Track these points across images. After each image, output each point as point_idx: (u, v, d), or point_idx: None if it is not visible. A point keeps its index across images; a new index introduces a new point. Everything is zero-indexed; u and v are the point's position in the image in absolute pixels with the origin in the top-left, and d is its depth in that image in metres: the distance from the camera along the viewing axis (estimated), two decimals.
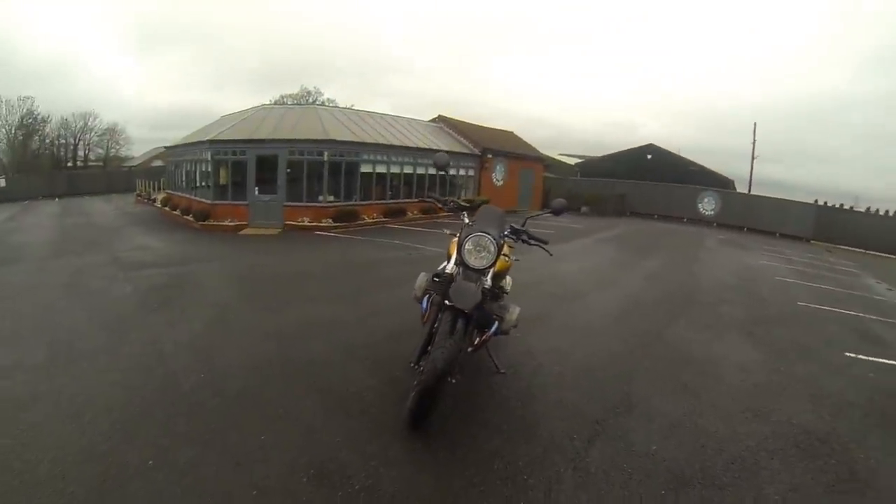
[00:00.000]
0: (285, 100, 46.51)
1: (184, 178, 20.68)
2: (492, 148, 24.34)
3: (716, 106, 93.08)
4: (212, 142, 17.06)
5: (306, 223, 15.91)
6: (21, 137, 48.97)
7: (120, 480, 2.89)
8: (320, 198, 16.81)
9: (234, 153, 16.73)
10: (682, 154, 34.33)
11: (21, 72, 60.54)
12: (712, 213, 27.81)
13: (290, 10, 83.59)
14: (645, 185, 29.79)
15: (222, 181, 17.26)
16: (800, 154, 72.05)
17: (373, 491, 2.91)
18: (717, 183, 31.27)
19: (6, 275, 8.84)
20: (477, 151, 23.54)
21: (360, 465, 3.13)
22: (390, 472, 3.09)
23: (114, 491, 2.80)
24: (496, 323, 3.65)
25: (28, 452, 3.12)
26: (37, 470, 2.95)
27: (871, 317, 8.93)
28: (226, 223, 15.87)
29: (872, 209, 25.19)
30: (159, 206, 22.32)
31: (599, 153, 39.26)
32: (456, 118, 25.61)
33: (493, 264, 3.64)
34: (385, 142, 18.66)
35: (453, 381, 3.38)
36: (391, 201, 18.70)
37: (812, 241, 24.61)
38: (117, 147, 57.16)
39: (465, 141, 23.88)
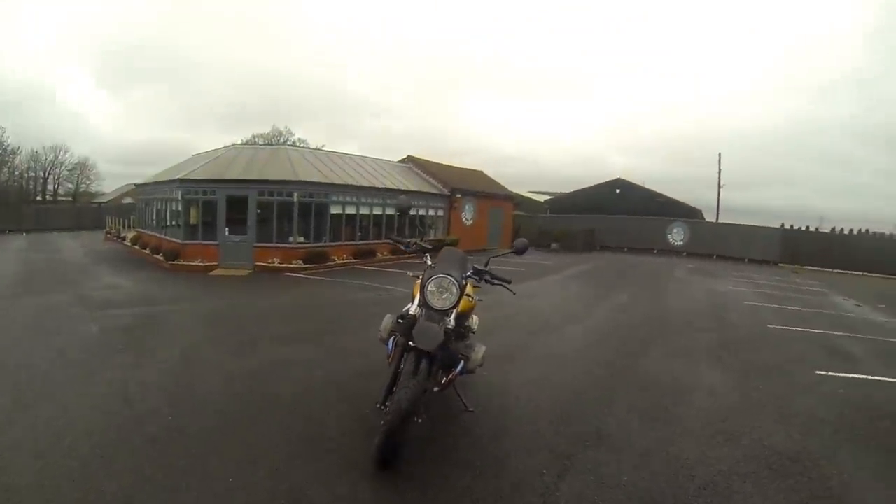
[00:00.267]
0: (257, 139, 46.49)
1: (154, 217, 20.24)
2: (461, 188, 24.51)
3: (682, 137, 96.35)
4: (182, 181, 16.83)
5: (276, 264, 15.66)
6: None
7: None
8: (290, 239, 16.60)
9: (205, 193, 16.51)
10: (650, 186, 35.20)
11: None
12: (681, 242, 28.34)
13: (263, 50, 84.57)
14: (614, 218, 30.31)
15: (192, 221, 16.92)
16: (765, 179, 74.64)
17: None
18: (686, 213, 32.02)
19: None
20: (446, 191, 23.67)
21: None
22: None
23: None
24: (462, 362, 3.71)
25: None
26: None
27: (839, 333, 9.04)
28: (196, 263, 15.54)
29: (837, 229, 25.99)
30: (129, 244, 21.87)
31: (569, 189, 39.95)
32: (425, 158, 25.82)
33: (456, 305, 3.72)
34: (354, 182, 18.66)
35: (419, 420, 3.40)
36: (361, 242, 18.56)
37: (780, 264, 25.17)
38: (88, 182, 55.56)
39: (434, 181, 24.01)
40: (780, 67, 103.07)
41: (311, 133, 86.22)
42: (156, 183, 20.21)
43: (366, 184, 19.13)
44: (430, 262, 4.16)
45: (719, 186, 35.32)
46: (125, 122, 77.66)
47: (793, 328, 9.33)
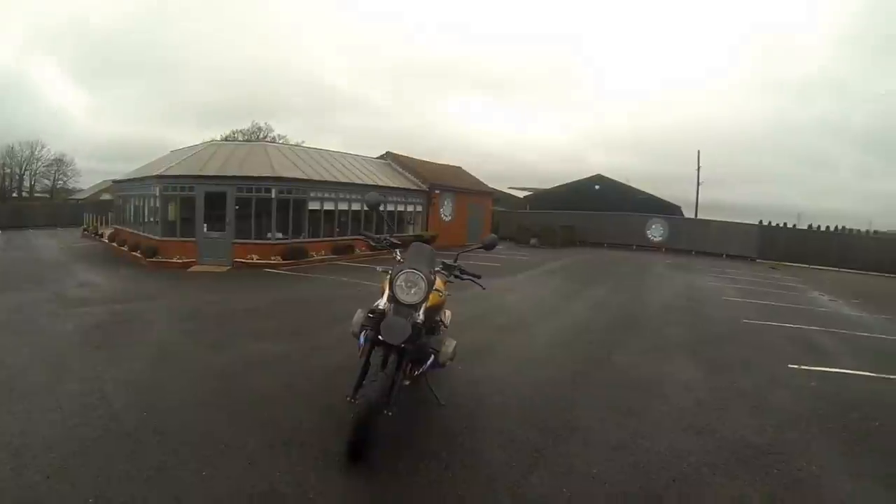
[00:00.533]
0: (236, 135, 45.63)
1: (132, 213, 19.91)
2: (439, 183, 24.41)
3: (661, 134, 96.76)
4: (160, 177, 16.55)
5: (255, 260, 15.47)
6: None
7: None
8: (269, 235, 16.42)
9: (183, 189, 16.24)
10: (630, 183, 35.41)
11: None
12: (661, 238, 28.59)
13: (243, 45, 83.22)
14: (594, 214, 30.40)
15: (171, 217, 16.69)
16: (744, 176, 75.28)
17: None
18: (665, 209, 32.28)
19: None
20: (425, 187, 23.54)
21: (300, 496, 3.05)
22: None
23: None
24: (431, 356, 3.79)
25: None
26: None
27: (814, 328, 9.14)
28: (174, 260, 15.31)
29: (814, 226, 26.38)
30: (107, 241, 21.51)
31: (549, 185, 39.95)
32: (404, 154, 25.67)
33: (425, 299, 3.73)
34: (333, 178, 18.50)
35: (390, 413, 3.41)
36: (339, 238, 18.39)
37: (758, 260, 25.51)
38: (65, 179, 54.37)
39: (412, 177, 23.87)
40: (758, 67, 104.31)
41: (291, 129, 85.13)
42: (134, 179, 19.85)
43: (344, 180, 19.01)
44: (399, 258, 4.18)
45: (698, 183, 35.70)
46: (103, 118, 75.98)
47: (769, 322, 9.42)
